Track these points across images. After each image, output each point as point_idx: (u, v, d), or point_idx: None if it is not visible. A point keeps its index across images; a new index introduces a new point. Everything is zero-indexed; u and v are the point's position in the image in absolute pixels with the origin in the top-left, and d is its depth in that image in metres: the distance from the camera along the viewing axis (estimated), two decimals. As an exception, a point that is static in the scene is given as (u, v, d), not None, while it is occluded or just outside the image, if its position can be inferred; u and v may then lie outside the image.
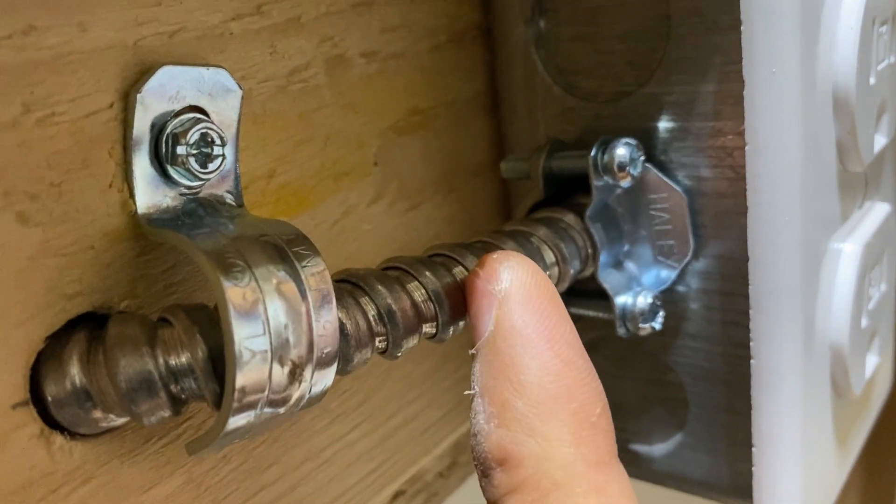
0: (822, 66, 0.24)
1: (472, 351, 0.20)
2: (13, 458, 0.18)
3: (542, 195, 0.27)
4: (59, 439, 0.19)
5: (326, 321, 0.19)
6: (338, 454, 0.26)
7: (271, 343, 0.18)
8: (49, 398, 0.18)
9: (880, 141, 0.28)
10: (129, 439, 0.20)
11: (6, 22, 0.17)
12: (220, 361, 0.18)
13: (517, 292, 0.20)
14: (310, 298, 0.18)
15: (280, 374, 0.18)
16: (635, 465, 0.31)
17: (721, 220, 0.26)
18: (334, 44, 0.24)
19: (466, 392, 0.20)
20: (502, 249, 0.22)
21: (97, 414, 0.19)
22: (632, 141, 0.25)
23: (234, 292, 0.17)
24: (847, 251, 0.27)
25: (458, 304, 0.22)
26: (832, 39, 0.25)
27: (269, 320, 0.18)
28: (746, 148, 0.24)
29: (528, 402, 0.19)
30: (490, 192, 0.31)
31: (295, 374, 0.18)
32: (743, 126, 0.24)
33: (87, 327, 0.19)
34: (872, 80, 0.26)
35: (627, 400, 0.30)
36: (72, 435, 0.19)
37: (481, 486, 0.20)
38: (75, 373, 0.18)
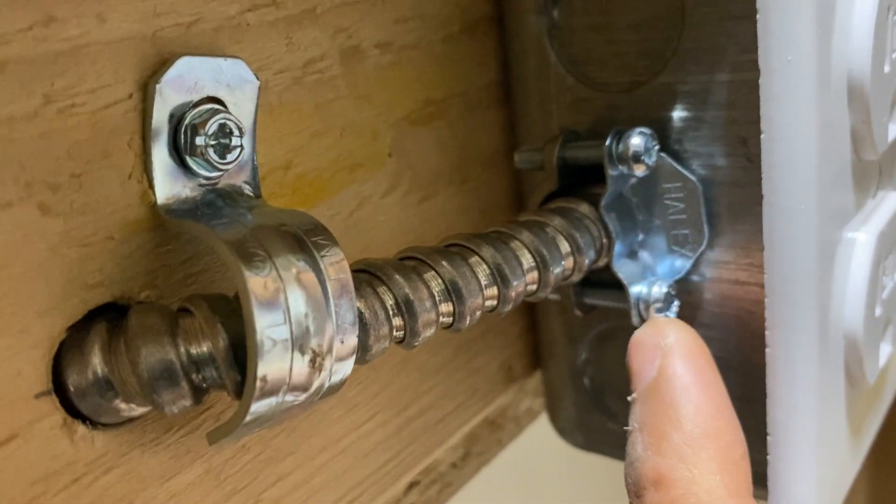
0: (836, 55, 0.24)
1: (634, 396, 0.24)
2: (37, 448, 0.18)
3: (556, 185, 0.27)
4: (81, 429, 0.19)
5: (345, 310, 0.19)
6: (354, 444, 0.26)
7: (292, 332, 0.18)
8: (71, 388, 0.18)
9: (894, 129, 0.28)
10: (150, 429, 0.20)
11: (27, 14, 0.17)
12: (240, 350, 0.18)
13: (680, 346, 0.24)
14: (329, 288, 0.19)
15: (300, 362, 0.18)
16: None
17: (735, 210, 0.26)
18: (349, 35, 0.24)
19: (625, 428, 0.24)
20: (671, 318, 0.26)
21: (119, 403, 0.19)
22: (646, 130, 0.25)
23: (256, 282, 0.17)
24: (861, 240, 0.27)
25: (475, 293, 0.23)
26: (847, 28, 0.24)
27: (290, 309, 0.18)
28: (762, 136, 0.24)
29: (683, 436, 0.23)
30: (503, 183, 0.31)
31: (315, 363, 0.18)
32: (758, 115, 0.24)
33: (108, 318, 0.19)
34: (887, 69, 0.26)
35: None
36: (93, 424, 0.19)
37: None
38: (97, 363, 0.19)
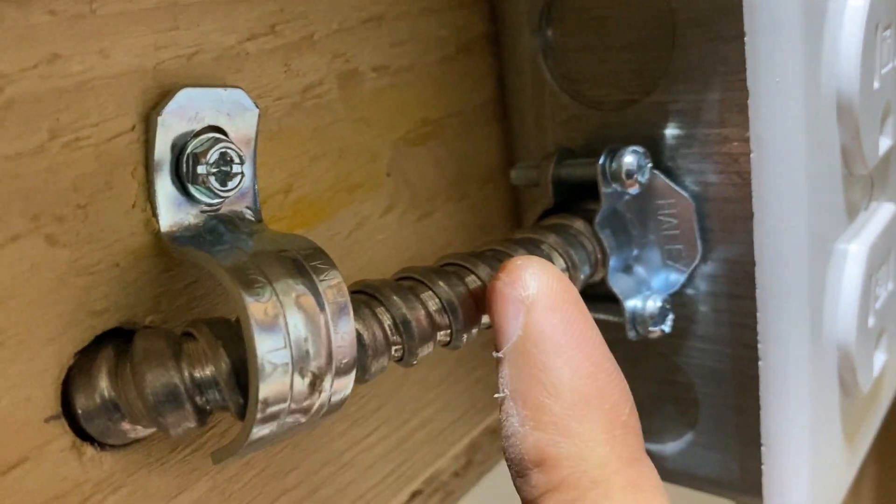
0: (825, 73, 0.25)
1: (499, 355, 0.21)
2: (47, 470, 0.18)
3: (552, 202, 0.27)
4: (89, 450, 0.19)
5: (344, 332, 0.20)
6: (357, 457, 0.27)
7: (292, 355, 0.18)
8: (79, 411, 0.19)
9: (885, 143, 0.29)
10: (156, 448, 0.21)
11: (32, 52, 0.17)
12: (243, 373, 0.19)
13: (544, 298, 0.21)
14: (328, 311, 0.19)
15: (301, 384, 0.19)
16: (647, 464, 0.31)
17: (728, 225, 0.26)
18: (346, 59, 0.25)
19: (496, 395, 0.21)
20: (527, 256, 0.22)
21: (125, 425, 0.19)
22: (639, 149, 0.26)
23: (256, 308, 0.18)
24: (853, 252, 0.28)
25: (472, 312, 0.23)
26: (835, 46, 0.25)
27: (290, 333, 0.18)
28: (752, 155, 0.24)
29: (562, 405, 0.20)
30: (501, 199, 0.31)
31: (315, 385, 0.19)
32: (748, 133, 0.24)
33: (115, 342, 0.20)
34: (877, 85, 0.27)
35: (639, 400, 0.31)
36: (101, 446, 0.20)
37: (516, 486, 0.21)
38: (104, 386, 0.19)
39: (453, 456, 0.32)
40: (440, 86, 0.28)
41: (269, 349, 0.18)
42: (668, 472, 0.31)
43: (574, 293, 0.21)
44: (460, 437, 0.32)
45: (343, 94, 0.25)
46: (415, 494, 0.30)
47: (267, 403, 0.18)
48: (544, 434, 0.20)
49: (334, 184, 0.25)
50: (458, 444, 0.32)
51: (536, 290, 0.21)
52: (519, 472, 0.20)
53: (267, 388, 0.18)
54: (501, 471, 0.36)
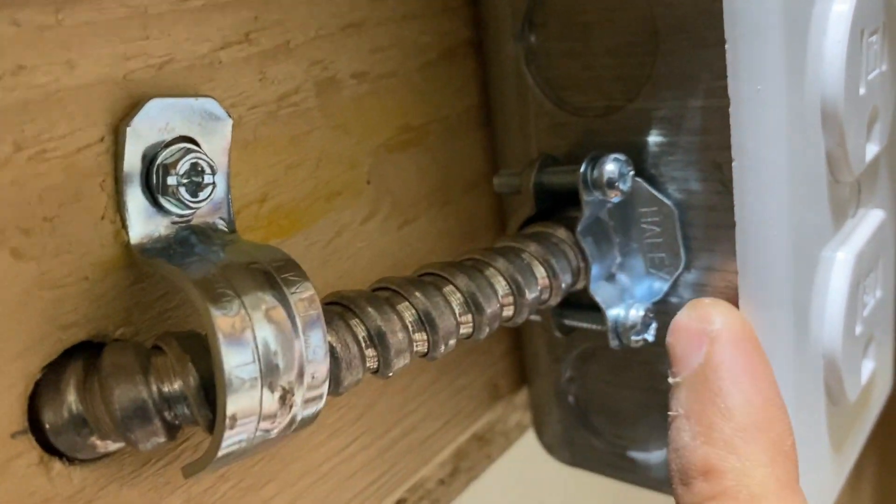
0: (809, 80, 0.24)
1: (677, 380, 0.24)
2: (13, 486, 0.18)
3: (534, 210, 0.27)
4: (58, 465, 0.19)
5: (316, 346, 0.19)
6: (336, 468, 0.26)
7: (261, 370, 0.18)
8: (47, 426, 0.19)
9: (872, 150, 0.28)
10: (128, 462, 0.21)
11: (-4, 63, 0.17)
12: (212, 388, 0.18)
13: (727, 333, 0.24)
14: (299, 324, 0.19)
15: (270, 399, 0.18)
16: (634, 472, 0.31)
17: (711, 233, 0.26)
18: (324, 67, 0.24)
19: (670, 413, 0.24)
20: (714, 298, 0.26)
21: (94, 440, 0.19)
22: (621, 157, 0.25)
23: (223, 321, 0.18)
24: (839, 260, 0.27)
25: (449, 324, 0.23)
26: (819, 53, 0.25)
27: (259, 347, 0.18)
28: (734, 164, 0.24)
29: (733, 427, 0.22)
30: (485, 206, 0.31)
31: (285, 399, 0.19)
32: (730, 141, 0.24)
33: (84, 355, 0.19)
34: (863, 91, 0.27)
35: (625, 408, 0.31)
36: (70, 461, 0.19)
37: (676, 493, 0.23)
38: (72, 401, 0.19)
39: (439, 464, 0.32)
40: (422, 92, 0.28)
41: (236, 364, 0.18)
42: (654, 480, 0.31)
43: (752, 332, 0.24)
44: (445, 445, 0.32)
45: (321, 101, 0.24)
46: (399, 503, 0.30)
47: (235, 419, 0.18)
48: (713, 449, 0.22)
49: (312, 192, 0.24)
50: (443, 452, 0.32)
51: (721, 326, 0.24)
52: (683, 480, 0.23)
53: (235, 404, 0.18)
54: (489, 478, 0.36)
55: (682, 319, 0.25)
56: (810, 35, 0.25)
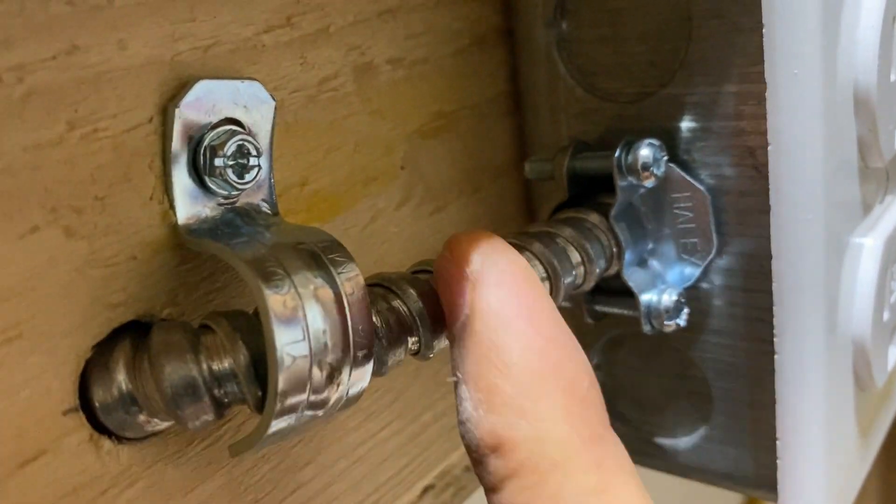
0: (842, 65, 0.25)
1: (448, 336, 0.20)
2: (64, 463, 0.18)
3: (566, 195, 0.27)
4: (107, 443, 0.19)
5: (362, 325, 0.19)
6: (370, 452, 0.27)
7: (311, 348, 0.18)
8: (97, 404, 0.19)
9: (901, 136, 0.28)
10: (173, 442, 0.21)
11: (51, 43, 0.17)
12: (261, 366, 0.19)
13: (490, 273, 0.20)
14: (346, 303, 0.19)
15: (319, 377, 0.19)
16: (661, 458, 0.31)
17: (744, 218, 0.26)
18: (361, 52, 0.24)
19: (449, 379, 0.20)
20: (472, 231, 0.21)
21: (143, 418, 0.19)
22: (655, 141, 0.25)
23: (275, 300, 0.18)
24: (868, 246, 0.28)
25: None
26: (852, 38, 0.25)
27: (309, 326, 0.18)
28: (769, 148, 0.24)
29: (515, 384, 0.19)
30: (514, 193, 0.31)
31: (333, 377, 0.19)
32: (765, 126, 0.24)
33: (132, 335, 0.19)
34: (893, 77, 0.27)
35: (653, 394, 0.31)
36: (119, 439, 0.20)
37: (476, 473, 0.20)
38: (122, 379, 0.19)
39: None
40: (454, 78, 0.28)
41: (288, 341, 0.18)
42: (682, 466, 0.31)
43: (523, 265, 0.20)
44: (472, 432, 0.32)
45: (358, 86, 0.24)
46: (427, 489, 0.30)
47: (286, 395, 0.18)
48: (499, 417, 0.19)
49: (349, 177, 0.25)
50: (470, 439, 0.32)
51: (481, 267, 0.20)
52: (477, 459, 0.19)
53: (286, 380, 0.18)
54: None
55: (441, 263, 0.20)
56: (843, 21, 0.25)
